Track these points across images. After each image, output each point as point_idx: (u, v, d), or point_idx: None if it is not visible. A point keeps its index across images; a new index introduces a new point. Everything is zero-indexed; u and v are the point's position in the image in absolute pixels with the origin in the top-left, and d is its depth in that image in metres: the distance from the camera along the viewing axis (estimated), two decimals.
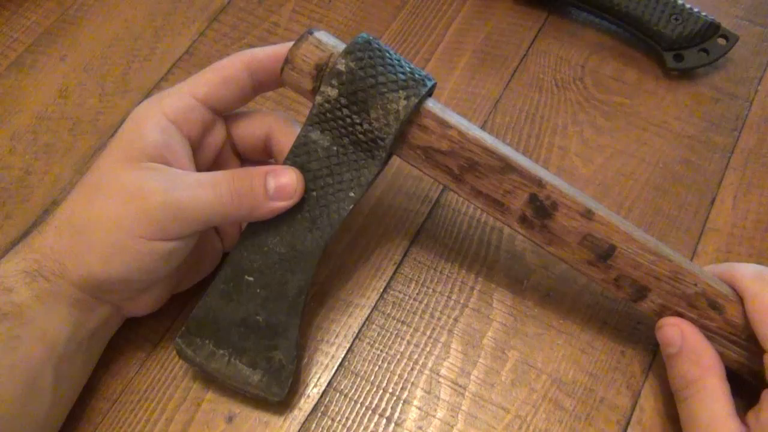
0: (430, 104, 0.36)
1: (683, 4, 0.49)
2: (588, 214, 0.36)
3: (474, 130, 0.36)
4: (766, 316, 0.35)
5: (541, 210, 0.37)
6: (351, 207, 0.37)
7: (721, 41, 0.50)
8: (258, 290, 0.38)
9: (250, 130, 0.40)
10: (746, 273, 0.37)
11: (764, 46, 0.52)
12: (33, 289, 0.34)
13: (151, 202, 0.34)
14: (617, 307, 0.42)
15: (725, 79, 0.51)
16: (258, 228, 0.37)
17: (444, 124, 0.36)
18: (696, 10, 0.49)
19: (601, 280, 0.37)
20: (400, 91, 0.35)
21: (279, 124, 0.39)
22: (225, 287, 0.38)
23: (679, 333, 0.36)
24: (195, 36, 0.54)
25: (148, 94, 0.51)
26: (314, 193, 0.37)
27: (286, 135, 0.38)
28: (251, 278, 0.37)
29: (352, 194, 0.37)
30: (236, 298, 0.38)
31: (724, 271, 0.38)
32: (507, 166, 0.36)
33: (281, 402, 0.38)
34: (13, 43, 0.54)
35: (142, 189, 0.34)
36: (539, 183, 0.36)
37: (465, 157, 0.36)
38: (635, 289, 0.37)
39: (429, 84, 0.36)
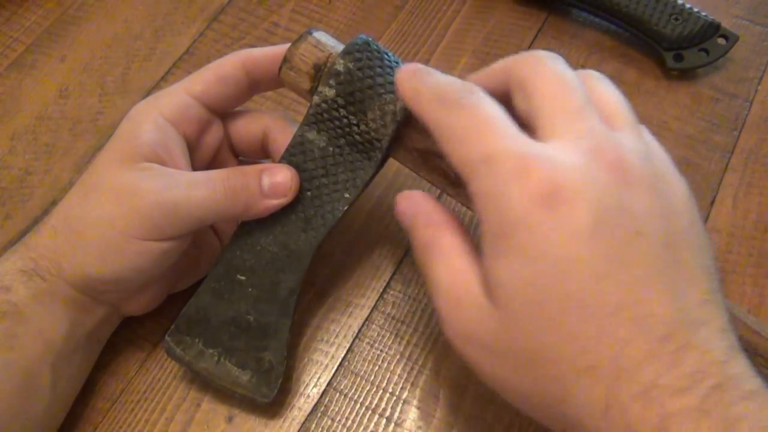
0: None
1: (683, 4, 0.49)
2: None
3: None
4: None
5: None
6: (346, 208, 0.36)
7: (721, 41, 0.50)
8: (249, 289, 0.37)
9: (247, 128, 0.40)
10: None
11: (764, 46, 0.52)
12: (30, 288, 0.34)
13: (145, 201, 0.34)
14: None
15: (725, 79, 0.51)
16: (251, 227, 0.37)
17: None
18: (696, 9, 0.49)
19: None
20: None
21: (276, 123, 0.39)
22: (216, 285, 0.38)
23: (411, 202, 0.32)
24: (195, 36, 0.54)
25: (147, 94, 0.51)
26: (309, 193, 0.37)
27: (283, 134, 0.38)
28: (243, 277, 0.37)
29: (347, 195, 0.36)
30: (227, 297, 0.37)
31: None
32: None
33: (272, 402, 0.38)
34: (13, 43, 0.54)
35: (136, 189, 0.34)
36: None
37: None
38: None
39: None
